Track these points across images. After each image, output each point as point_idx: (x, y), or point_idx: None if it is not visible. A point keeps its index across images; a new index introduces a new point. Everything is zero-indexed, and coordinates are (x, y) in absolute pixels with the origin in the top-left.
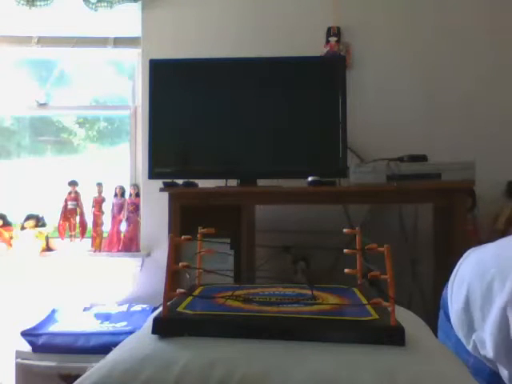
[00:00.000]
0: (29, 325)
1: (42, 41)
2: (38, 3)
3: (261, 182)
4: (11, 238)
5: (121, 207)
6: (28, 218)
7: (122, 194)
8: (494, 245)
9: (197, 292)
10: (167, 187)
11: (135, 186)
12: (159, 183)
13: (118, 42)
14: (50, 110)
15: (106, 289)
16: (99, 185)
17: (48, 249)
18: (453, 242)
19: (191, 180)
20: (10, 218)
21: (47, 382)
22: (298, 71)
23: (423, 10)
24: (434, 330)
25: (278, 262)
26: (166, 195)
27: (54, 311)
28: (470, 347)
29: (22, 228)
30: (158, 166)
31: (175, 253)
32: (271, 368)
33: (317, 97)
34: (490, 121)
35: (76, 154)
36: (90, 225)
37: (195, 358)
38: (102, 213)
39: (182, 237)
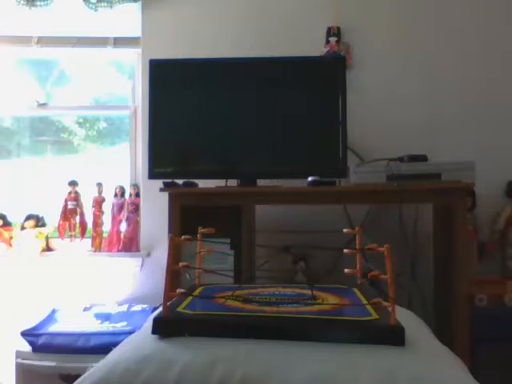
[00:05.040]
0: (29, 325)
1: (42, 41)
2: (38, 3)
3: (261, 182)
4: (11, 237)
5: (121, 207)
6: (28, 217)
7: (122, 194)
8: None
9: (197, 292)
10: (167, 187)
11: (135, 186)
12: (159, 183)
13: (118, 41)
14: (50, 110)
15: (106, 289)
16: (99, 185)
17: (48, 249)
18: (453, 242)
19: (191, 180)
20: (9, 218)
21: (47, 382)
22: (297, 71)
23: (423, 10)
24: (434, 330)
25: (278, 262)
26: (165, 195)
27: (54, 311)
28: None
29: (22, 228)
30: (157, 166)
31: (175, 253)
32: (271, 368)
33: (317, 97)
34: (490, 121)
35: (76, 153)
36: (90, 225)
37: (195, 358)
38: (102, 213)
39: (182, 237)
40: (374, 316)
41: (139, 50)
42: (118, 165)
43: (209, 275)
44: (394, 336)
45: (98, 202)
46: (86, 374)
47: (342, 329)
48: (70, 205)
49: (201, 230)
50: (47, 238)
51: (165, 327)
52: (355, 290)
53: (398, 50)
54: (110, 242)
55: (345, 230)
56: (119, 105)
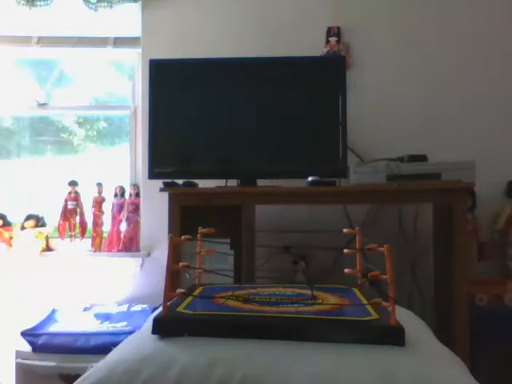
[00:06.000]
0: (29, 325)
1: (42, 41)
2: (38, 3)
3: (261, 182)
4: (11, 237)
5: (121, 207)
6: (28, 217)
7: (122, 194)
8: None
9: (197, 292)
10: (167, 187)
11: (135, 186)
12: (159, 183)
13: (118, 41)
14: (50, 110)
15: (106, 289)
16: (99, 185)
17: (48, 249)
18: (453, 242)
19: (191, 180)
20: (9, 218)
21: (47, 382)
22: (298, 71)
23: (423, 10)
24: (434, 330)
25: (278, 262)
26: (165, 195)
27: (53, 311)
28: None
29: (22, 228)
30: (157, 166)
31: (175, 253)
32: (271, 368)
33: (317, 97)
34: (490, 121)
35: (76, 154)
36: (90, 225)
37: (195, 358)
38: (102, 213)
39: (182, 237)
40: (374, 316)
41: (139, 50)
42: (118, 165)
43: (209, 275)
44: (394, 336)
45: (98, 202)
46: (85, 374)
47: (341, 329)
48: (70, 205)
49: (201, 230)
50: (47, 238)
51: (165, 327)
52: (355, 289)
53: (398, 50)
54: (109, 242)
55: (345, 230)
56: (119, 105)
